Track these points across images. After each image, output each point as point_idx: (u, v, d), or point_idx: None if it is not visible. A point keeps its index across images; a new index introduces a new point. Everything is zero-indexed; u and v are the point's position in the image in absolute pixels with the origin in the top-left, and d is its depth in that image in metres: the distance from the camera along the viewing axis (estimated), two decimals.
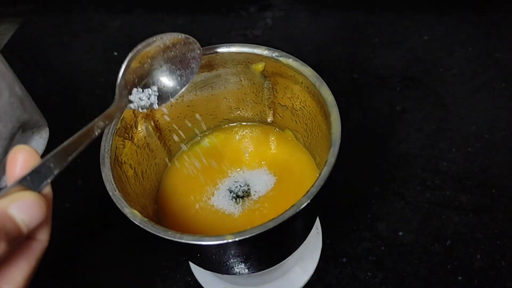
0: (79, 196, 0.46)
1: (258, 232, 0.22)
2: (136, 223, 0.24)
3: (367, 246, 0.39)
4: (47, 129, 0.49)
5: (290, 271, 0.38)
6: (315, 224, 0.40)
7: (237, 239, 0.22)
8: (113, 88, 0.27)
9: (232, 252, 0.26)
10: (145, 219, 0.24)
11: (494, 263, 0.37)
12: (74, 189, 0.46)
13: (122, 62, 0.28)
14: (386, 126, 0.47)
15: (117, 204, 0.25)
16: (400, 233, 0.40)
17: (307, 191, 0.24)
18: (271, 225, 0.22)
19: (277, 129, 0.36)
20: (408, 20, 0.55)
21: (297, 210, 0.23)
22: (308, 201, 0.23)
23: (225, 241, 0.23)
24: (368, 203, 0.42)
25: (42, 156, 0.22)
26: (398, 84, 0.50)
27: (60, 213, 0.45)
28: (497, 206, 0.40)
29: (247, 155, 0.36)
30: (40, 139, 0.49)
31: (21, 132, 0.46)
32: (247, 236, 0.22)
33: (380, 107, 0.49)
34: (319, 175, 0.24)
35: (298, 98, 0.32)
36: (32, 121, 0.46)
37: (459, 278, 0.37)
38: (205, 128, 0.37)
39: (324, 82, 0.28)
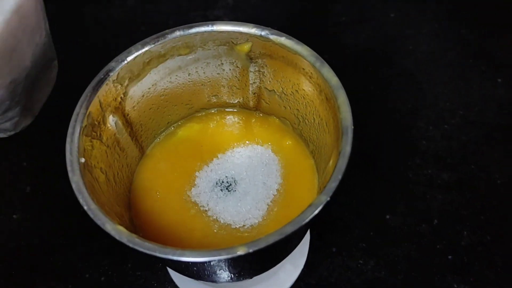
0: (29, 205, 0.40)
1: (276, 239, 0.19)
2: (124, 242, 0.20)
3: (356, 233, 0.38)
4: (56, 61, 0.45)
5: (280, 269, 0.35)
6: None
7: (251, 250, 0.19)
8: None
9: (233, 264, 0.23)
10: (134, 236, 0.20)
11: (480, 239, 0.37)
12: (22, 197, 0.40)
13: None
14: (361, 108, 0.45)
15: (95, 220, 0.20)
16: (387, 217, 0.39)
17: (324, 187, 0.21)
18: (288, 230, 0.19)
19: (261, 114, 0.33)
20: None
21: (316, 211, 0.20)
22: (328, 198, 0.20)
23: (236, 255, 0.19)
24: (352, 189, 0.40)
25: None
26: (370, 63, 0.49)
27: (7, 226, 0.38)
28: (478, 182, 0.40)
29: (229, 144, 0.32)
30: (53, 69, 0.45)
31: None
32: (262, 247, 0.19)
33: (353, 89, 0.47)
34: (335, 167, 0.21)
35: (290, 81, 0.28)
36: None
37: (449, 257, 0.37)
38: (179, 118, 0.33)
39: (325, 63, 0.25)
